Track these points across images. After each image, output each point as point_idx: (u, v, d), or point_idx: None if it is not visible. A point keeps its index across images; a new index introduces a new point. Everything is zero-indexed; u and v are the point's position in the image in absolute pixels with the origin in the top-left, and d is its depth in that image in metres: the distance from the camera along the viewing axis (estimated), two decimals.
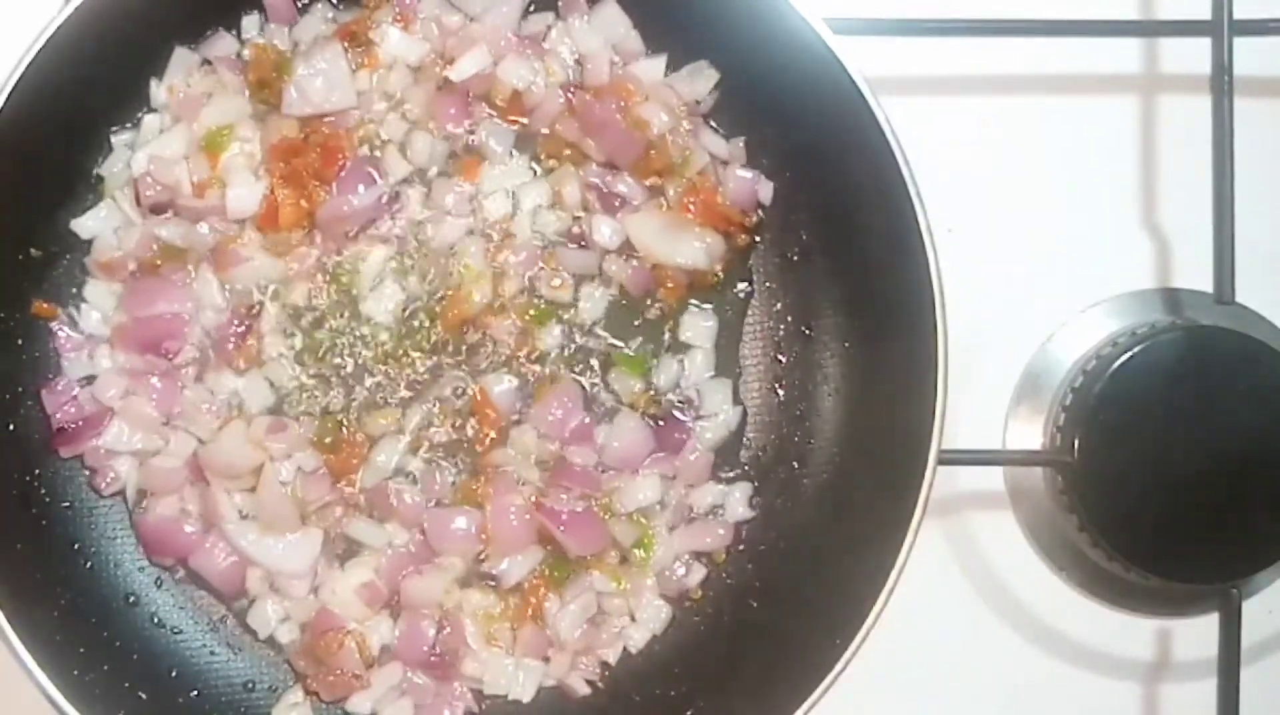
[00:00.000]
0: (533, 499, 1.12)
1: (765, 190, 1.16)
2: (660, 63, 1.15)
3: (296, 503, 1.11)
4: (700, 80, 1.14)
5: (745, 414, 1.17)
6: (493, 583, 1.12)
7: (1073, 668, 1.20)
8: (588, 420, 1.13)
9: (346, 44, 1.13)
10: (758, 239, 1.17)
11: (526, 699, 1.12)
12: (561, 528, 1.10)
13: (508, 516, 1.11)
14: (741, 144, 1.16)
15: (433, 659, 1.11)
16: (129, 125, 1.13)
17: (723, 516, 1.15)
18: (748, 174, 1.16)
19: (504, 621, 1.12)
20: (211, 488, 1.10)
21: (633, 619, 1.14)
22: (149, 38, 1.10)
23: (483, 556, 1.12)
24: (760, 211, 1.16)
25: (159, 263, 1.12)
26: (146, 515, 1.12)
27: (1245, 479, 1.11)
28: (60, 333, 1.12)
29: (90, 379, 1.12)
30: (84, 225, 1.12)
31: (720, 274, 1.16)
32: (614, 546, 1.13)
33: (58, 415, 1.11)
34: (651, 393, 1.15)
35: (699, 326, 1.16)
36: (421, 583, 1.11)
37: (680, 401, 1.15)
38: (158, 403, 1.11)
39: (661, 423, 1.15)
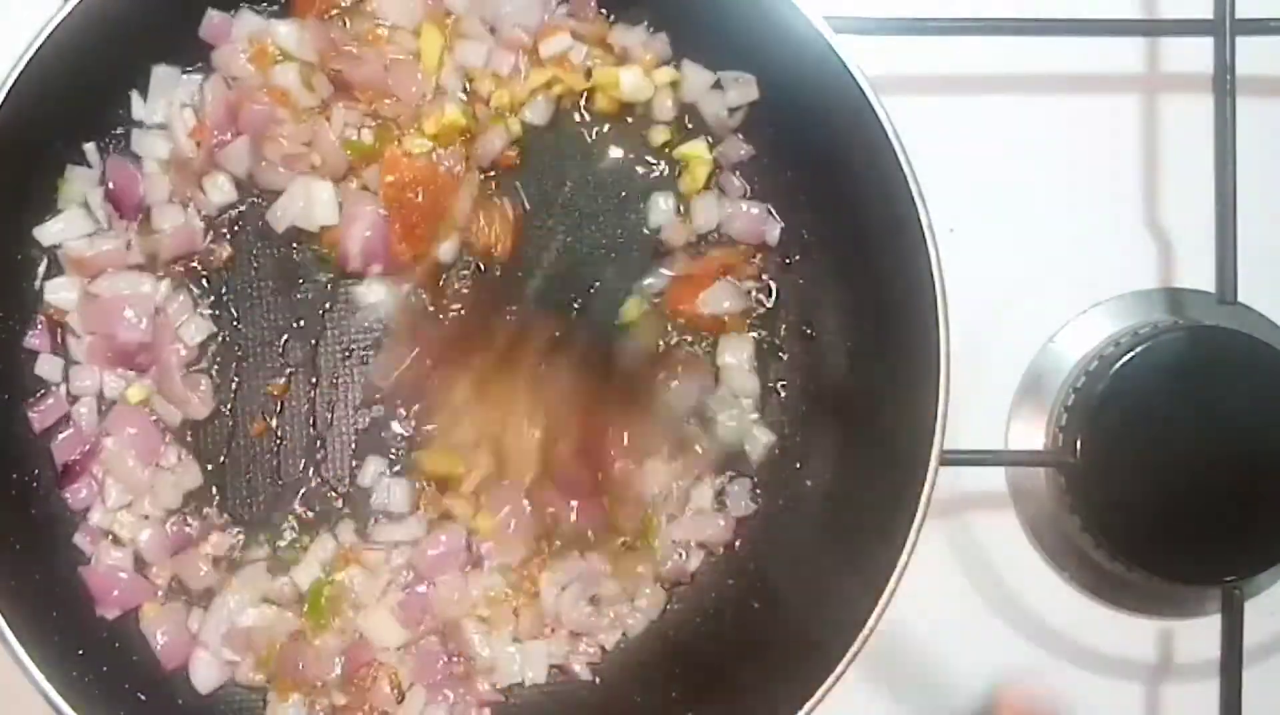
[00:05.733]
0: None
1: (772, 230, 1.16)
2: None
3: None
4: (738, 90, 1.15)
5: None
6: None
7: (1074, 668, 1.20)
8: None
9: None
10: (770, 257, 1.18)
11: (541, 679, 1.12)
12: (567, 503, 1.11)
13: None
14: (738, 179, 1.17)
15: (452, 670, 1.11)
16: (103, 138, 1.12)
17: (725, 511, 1.15)
18: (755, 210, 1.16)
19: (507, 605, 1.12)
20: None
21: (631, 603, 1.14)
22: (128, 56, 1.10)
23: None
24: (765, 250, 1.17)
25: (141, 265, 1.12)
26: (95, 565, 1.10)
27: (1248, 479, 1.11)
28: (32, 342, 1.11)
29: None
30: (47, 231, 1.10)
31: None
32: (615, 533, 1.13)
33: (56, 446, 1.10)
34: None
35: (737, 349, 1.16)
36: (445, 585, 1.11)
37: None
38: (139, 453, 1.10)
39: None
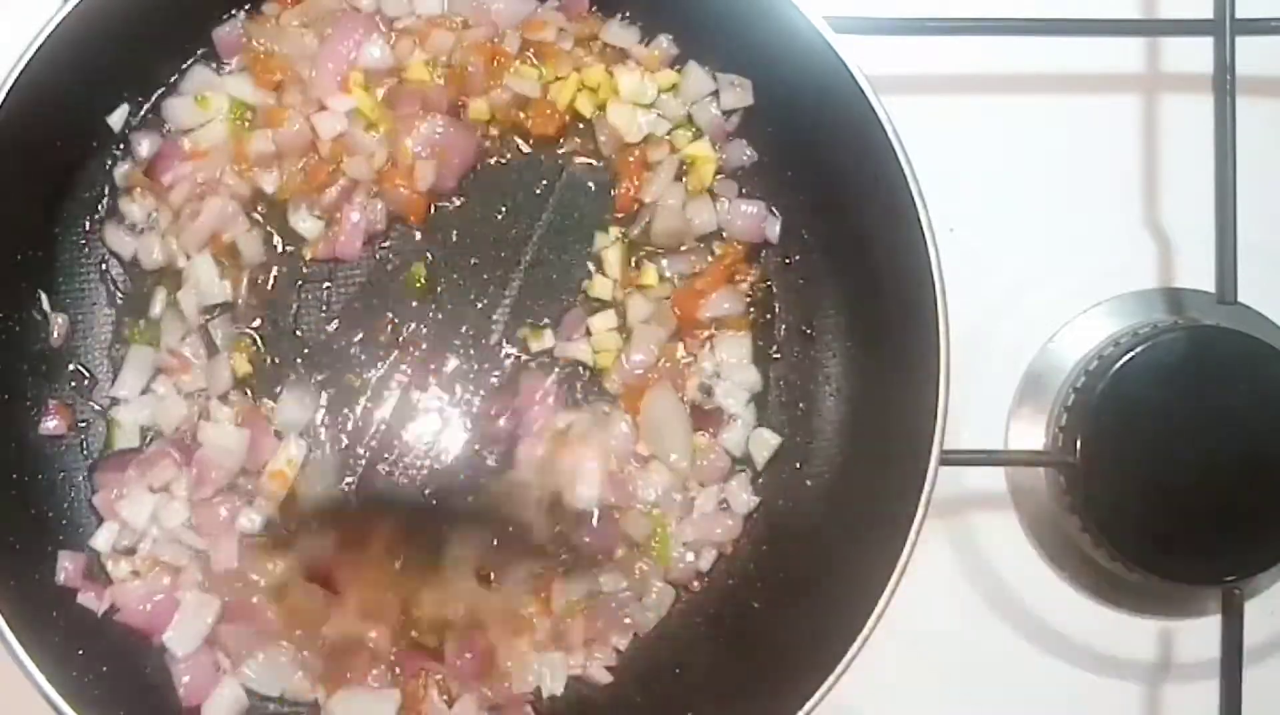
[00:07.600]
0: None
1: (773, 227, 1.16)
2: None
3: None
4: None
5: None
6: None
7: (1074, 668, 1.20)
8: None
9: None
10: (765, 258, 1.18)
11: (558, 691, 1.11)
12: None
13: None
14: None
15: (479, 668, 1.11)
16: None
17: (729, 509, 1.15)
18: (753, 208, 1.16)
19: (525, 621, 1.12)
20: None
21: (640, 602, 1.13)
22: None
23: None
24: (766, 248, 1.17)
25: None
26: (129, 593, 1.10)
27: (1248, 479, 1.11)
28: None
29: None
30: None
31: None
32: (625, 542, 1.13)
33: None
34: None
35: (734, 348, 1.16)
36: None
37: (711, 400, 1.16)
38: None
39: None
